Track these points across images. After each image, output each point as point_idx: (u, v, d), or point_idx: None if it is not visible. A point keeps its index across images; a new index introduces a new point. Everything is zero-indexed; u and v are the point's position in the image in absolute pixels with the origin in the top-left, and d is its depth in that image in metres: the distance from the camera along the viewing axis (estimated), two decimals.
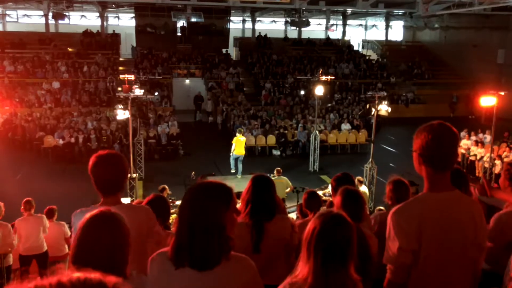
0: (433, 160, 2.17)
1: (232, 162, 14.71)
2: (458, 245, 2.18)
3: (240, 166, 14.60)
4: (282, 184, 11.06)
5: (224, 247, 1.91)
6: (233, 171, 14.59)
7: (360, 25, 38.29)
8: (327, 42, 31.90)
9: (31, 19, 30.84)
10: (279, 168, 11.86)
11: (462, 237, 2.18)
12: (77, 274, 0.97)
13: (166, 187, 9.86)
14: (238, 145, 14.44)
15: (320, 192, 9.41)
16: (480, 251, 2.27)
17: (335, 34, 34.89)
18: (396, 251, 2.18)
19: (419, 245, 2.16)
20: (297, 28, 31.08)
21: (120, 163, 2.72)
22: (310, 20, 28.59)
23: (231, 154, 14.63)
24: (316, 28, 34.50)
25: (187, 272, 1.89)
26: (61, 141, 17.46)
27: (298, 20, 26.72)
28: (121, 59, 27.89)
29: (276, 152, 18.70)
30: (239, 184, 10.30)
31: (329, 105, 23.52)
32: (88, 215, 1.89)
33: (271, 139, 19.01)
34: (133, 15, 30.17)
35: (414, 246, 2.16)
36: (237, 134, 14.72)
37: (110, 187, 2.72)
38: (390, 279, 2.26)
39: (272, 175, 11.70)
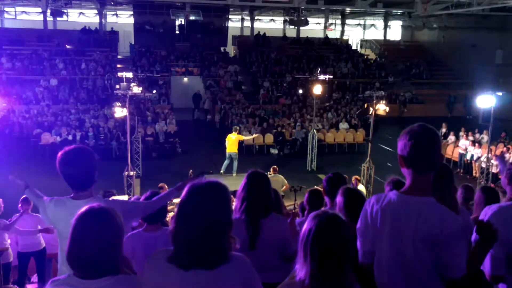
0: (412, 162, 2.19)
1: (225, 161, 14.78)
2: (405, 246, 2.14)
3: (234, 164, 14.64)
4: (278, 182, 11.07)
5: (225, 246, 1.92)
6: (221, 171, 14.58)
7: (359, 24, 38.23)
8: (326, 41, 31.88)
9: (29, 16, 30.71)
10: (275, 166, 11.90)
11: (411, 239, 2.13)
12: None
13: (165, 185, 9.87)
14: (229, 143, 14.62)
15: None
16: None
17: (334, 33, 34.86)
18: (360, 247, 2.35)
19: (376, 234, 2.25)
20: (296, 27, 31.03)
21: (85, 158, 2.69)
22: (308, 19, 28.51)
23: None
24: (314, 27, 34.45)
25: (189, 273, 1.88)
26: (58, 138, 17.43)
27: (297, 19, 26.65)
28: (119, 56, 27.80)
29: (274, 151, 18.70)
30: (235, 182, 10.29)
31: (327, 104, 23.52)
32: (83, 209, 1.89)
33: (269, 138, 19.02)
34: (132, 12, 30.07)
35: (373, 237, 2.26)
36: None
37: (78, 182, 2.71)
38: (360, 261, 2.38)
39: (268, 173, 11.74)
